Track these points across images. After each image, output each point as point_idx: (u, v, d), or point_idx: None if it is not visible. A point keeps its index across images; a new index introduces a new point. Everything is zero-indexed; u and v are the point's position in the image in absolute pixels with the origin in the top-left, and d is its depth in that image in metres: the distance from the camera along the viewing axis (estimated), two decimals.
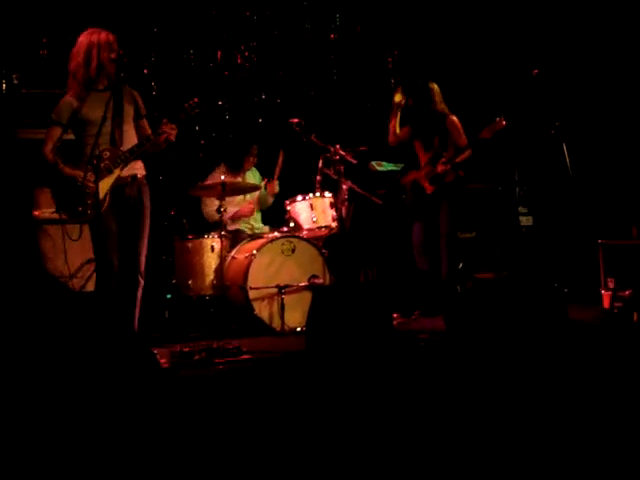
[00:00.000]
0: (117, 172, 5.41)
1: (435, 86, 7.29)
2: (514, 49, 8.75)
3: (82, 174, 5.27)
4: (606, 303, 6.87)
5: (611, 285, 6.92)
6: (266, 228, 7.87)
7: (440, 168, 7.12)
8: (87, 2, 7.64)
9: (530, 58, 8.07)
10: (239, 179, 7.59)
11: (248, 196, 7.73)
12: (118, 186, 5.43)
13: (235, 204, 7.68)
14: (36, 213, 6.83)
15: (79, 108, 5.42)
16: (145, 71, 8.25)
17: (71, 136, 5.54)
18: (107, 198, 5.35)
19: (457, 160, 7.10)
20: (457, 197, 7.26)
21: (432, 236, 7.26)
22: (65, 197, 5.34)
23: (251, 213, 7.73)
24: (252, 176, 7.88)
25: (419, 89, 7.29)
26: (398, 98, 7.37)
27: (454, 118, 7.22)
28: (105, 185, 5.33)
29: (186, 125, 5.70)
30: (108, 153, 5.39)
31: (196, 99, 5.71)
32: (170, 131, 5.50)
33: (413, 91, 7.32)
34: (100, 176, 5.25)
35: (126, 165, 5.46)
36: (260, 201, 7.87)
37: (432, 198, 7.23)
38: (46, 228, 6.82)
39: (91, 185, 5.25)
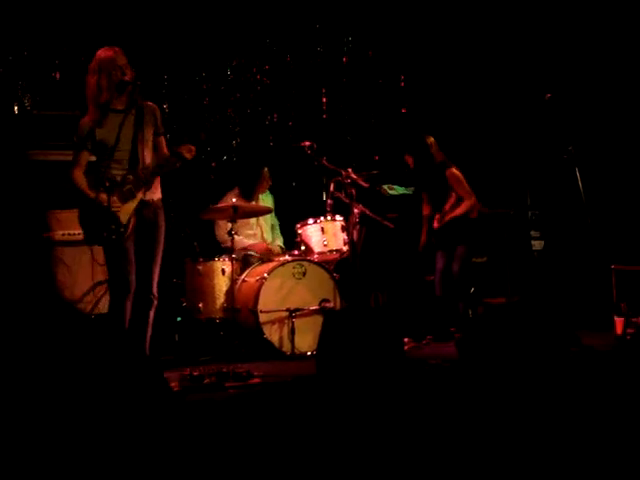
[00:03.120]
0: (140, 195, 5.40)
1: (431, 139, 7.33)
2: (527, 73, 8.75)
3: (106, 198, 5.27)
4: (619, 329, 6.83)
5: (624, 311, 6.88)
6: (277, 243, 7.87)
7: (435, 225, 7.33)
8: (99, 24, 7.68)
9: (543, 82, 8.07)
10: (252, 203, 7.56)
11: (261, 219, 7.73)
12: (139, 209, 5.43)
13: (246, 226, 7.66)
14: (48, 235, 6.83)
15: (97, 131, 5.38)
16: (157, 92, 8.26)
17: (92, 158, 5.54)
18: (131, 221, 5.35)
19: (452, 215, 7.17)
20: (476, 226, 7.31)
21: (451, 262, 7.29)
22: (92, 222, 5.34)
23: (265, 250, 7.67)
24: (265, 199, 7.85)
25: (417, 147, 7.34)
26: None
27: (453, 170, 7.27)
28: (129, 208, 5.34)
29: (199, 147, 5.65)
30: (131, 177, 5.37)
31: (218, 117, 5.69)
32: (187, 152, 5.49)
33: (413, 151, 7.38)
34: (124, 199, 5.29)
35: (149, 188, 5.45)
36: (270, 225, 7.87)
37: (451, 226, 7.26)
38: (57, 251, 6.82)
39: (116, 209, 5.28)
